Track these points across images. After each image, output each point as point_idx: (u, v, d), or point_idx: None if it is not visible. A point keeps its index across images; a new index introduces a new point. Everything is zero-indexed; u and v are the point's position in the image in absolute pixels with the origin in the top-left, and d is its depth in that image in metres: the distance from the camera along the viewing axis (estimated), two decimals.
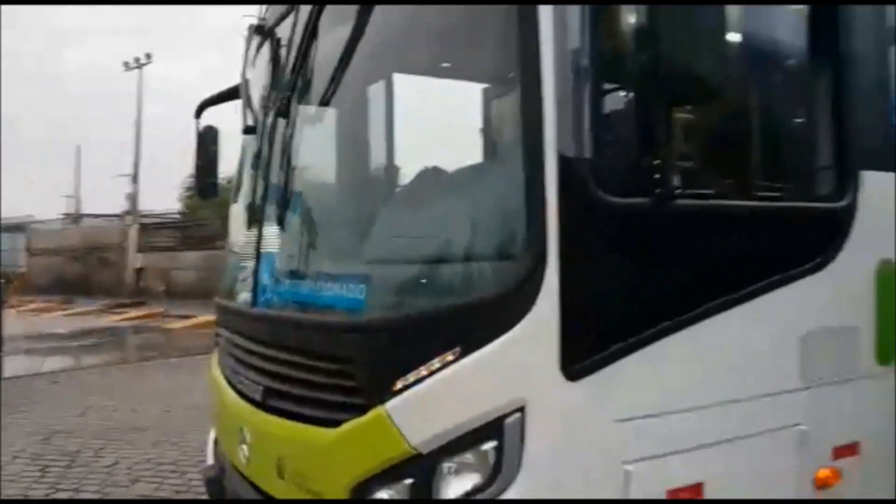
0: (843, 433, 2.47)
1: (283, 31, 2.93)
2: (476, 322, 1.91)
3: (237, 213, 3.48)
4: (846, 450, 2.47)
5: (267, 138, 2.84)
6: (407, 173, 2.75)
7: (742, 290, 2.19)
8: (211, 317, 12.55)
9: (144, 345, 13.74)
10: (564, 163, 1.90)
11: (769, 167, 2.41)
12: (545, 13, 1.91)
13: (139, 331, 16.25)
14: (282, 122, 2.72)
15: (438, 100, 2.83)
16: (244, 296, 2.88)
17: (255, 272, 2.73)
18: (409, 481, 1.97)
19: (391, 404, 1.96)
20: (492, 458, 1.89)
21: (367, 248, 2.36)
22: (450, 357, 1.90)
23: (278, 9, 3.05)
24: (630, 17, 2.02)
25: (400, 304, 2.14)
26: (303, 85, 2.67)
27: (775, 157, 2.45)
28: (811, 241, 2.41)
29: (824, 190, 2.50)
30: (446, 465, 1.93)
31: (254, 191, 2.97)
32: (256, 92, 3.09)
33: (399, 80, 2.95)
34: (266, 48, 3.10)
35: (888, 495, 2.63)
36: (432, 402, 1.93)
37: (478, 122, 2.56)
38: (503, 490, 1.87)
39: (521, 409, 1.87)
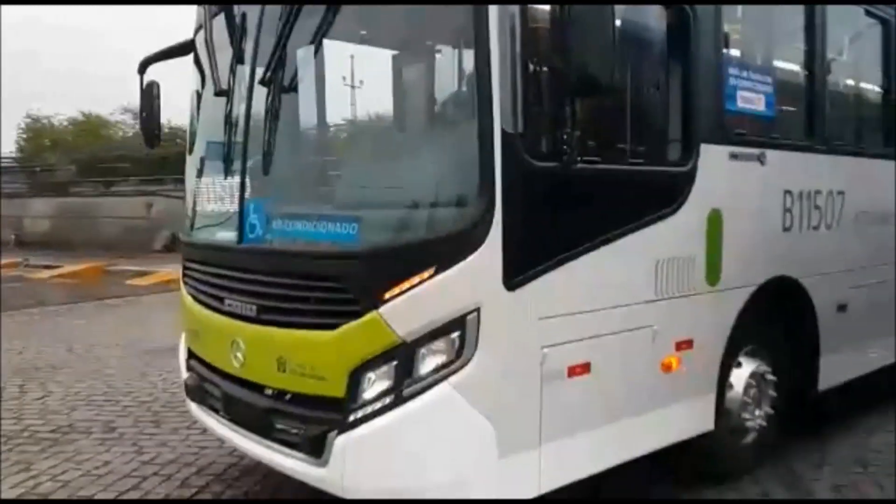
0: (681, 332, 3.50)
1: (246, 10, 3.51)
2: (445, 250, 2.71)
3: (198, 163, 4.03)
4: (684, 343, 3.51)
5: (244, 100, 3.42)
6: (390, 135, 3.45)
7: (620, 229, 3.13)
8: (77, 266, 13.15)
9: (19, 294, 13.35)
10: (505, 137, 2.70)
11: (638, 141, 3.32)
12: (493, 19, 2.67)
13: (10, 282, 15.60)
14: (263, 86, 3.32)
15: (412, 73, 3.51)
16: (226, 235, 3.49)
17: (241, 216, 3.35)
18: (394, 363, 2.77)
19: (383, 309, 2.73)
20: (456, 344, 2.71)
21: (358, 194, 3.09)
22: (426, 275, 2.70)
23: None
24: (544, 25, 2.83)
25: (386, 237, 2.89)
26: (282, 53, 3.27)
27: (642, 134, 3.36)
28: (665, 194, 3.38)
29: (675, 157, 3.47)
30: (423, 350, 2.74)
31: (230, 146, 3.55)
32: (222, 59, 3.62)
33: (378, 53, 3.59)
34: (225, 22, 3.64)
35: (712, 378, 3.71)
36: (414, 306, 2.72)
37: (447, 98, 3.27)
38: (464, 365, 2.70)
39: (477, 311, 2.70)
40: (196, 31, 4.13)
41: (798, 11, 4.29)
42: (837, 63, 4.72)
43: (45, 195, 25.09)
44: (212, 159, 3.82)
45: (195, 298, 3.83)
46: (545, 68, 2.84)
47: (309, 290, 2.99)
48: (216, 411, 3.64)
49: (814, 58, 4.34)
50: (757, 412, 4.09)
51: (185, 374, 3.99)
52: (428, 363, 2.75)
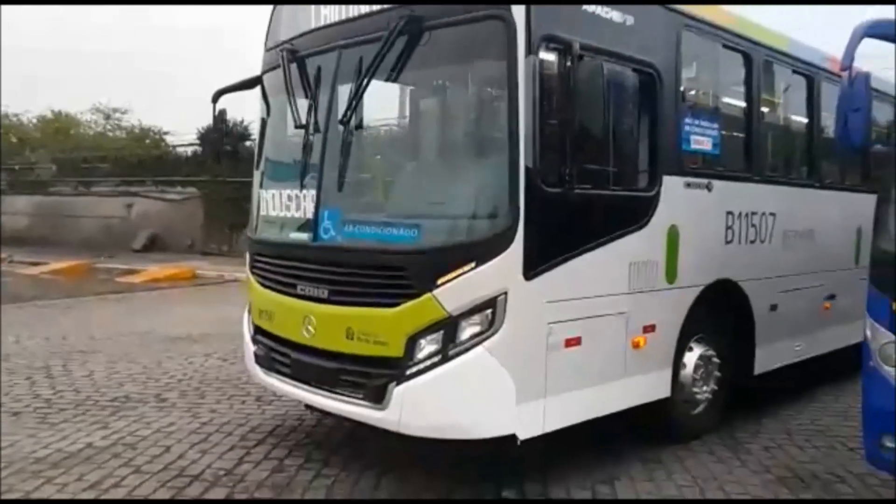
0: (647, 318, 4.57)
1: (321, 60, 4.51)
2: (482, 250, 3.73)
3: (268, 177, 5.01)
4: (649, 327, 4.58)
5: (320, 131, 4.40)
6: (441, 163, 4.44)
7: (604, 237, 4.20)
8: (62, 264, 14.21)
9: (17, 287, 13.93)
10: (527, 170, 3.74)
11: (618, 173, 4.32)
12: (522, 73, 3.69)
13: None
14: (335, 120, 4.31)
15: (459, 113, 4.50)
16: (301, 235, 4.46)
17: (316, 221, 4.32)
18: (442, 331, 3.78)
19: (436, 291, 3.74)
20: (489, 318, 3.73)
21: (416, 207, 4.10)
22: (469, 267, 3.71)
23: (309, 40, 4.60)
24: (553, 86, 3.87)
25: (439, 239, 3.91)
26: (351, 93, 4.24)
27: (621, 167, 4.37)
28: (637, 213, 4.45)
29: (644, 185, 4.55)
30: (464, 322, 3.75)
31: (305, 166, 4.52)
32: (298, 96, 4.59)
33: (449, 93, 4.58)
34: (302, 68, 4.63)
35: (670, 356, 4.79)
36: (459, 290, 3.73)
37: (486, 137, 4.25)
38: (494, 333, 3.72)
39: (505, 294, 3.72)
40: (264, 72, 5.11)
41: (739, 68, 5.44)
42: (769, 111, 5.91)
43: (24, 193, 25.34)
44: (286, 176, 4.79)
45: (264, 285, 4.78)
46: (553, 121, 3.86)
47: (376, 277, 3.99)
48: (284, 374, 4.59)
49: (750, 107, 5.50)
50: (704, 388, 5.17)
51: (251, 348, 4.92)
52: (467, 332, 3.77)
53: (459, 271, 3.73)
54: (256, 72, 5.18)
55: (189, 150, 23.21)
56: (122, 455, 4.66)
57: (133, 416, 5.53)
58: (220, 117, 5.40)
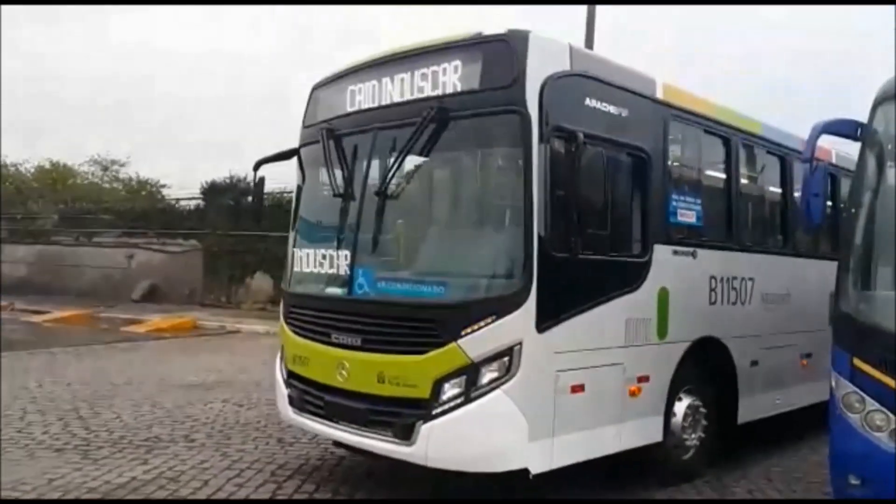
0: (641, 370, 5.16)
1: (358, 139, 5.18)
2: (501, 306, 4.33)
3: (304, 237, 5.63)
4: (643, 378, 5.17)
5: (357, 200, 5.05)
6: (463, 231, 5.04)
7: (604, 297, 4.82)
8: (66, 312, 14.87)
9: (26, 335, 14.32)
10: (539, 238, 4.37)
11: (616, 242, 4.99)
12: (535, 158, 4.36)
13: (7, 324, 16.44)
14: (370, 190, 4.96)
15: (477, 188, 5.15)
16: (335, 290, 5.05)
17: (351, 277, 4.92)
18: (465, 376, 4.35)
19: (461, 341, 4.32)
20: (506, 365, 4.31)
21: (442, 268, 4.71)
22: (489, 320, 4.31)
23: (346, 121, 5.29)
24: (560, 166, 4.53)
25: (463, 296, 4.51)
26: (382, 166, 4.93)
27: (618, 236, 5.02)
28: (632, 276, 5.09)
29: (638, 252, 5.19)
30: (484, 368, 4.33)
31: (341, 229, 5.15)
32: (338, 169, 5.24)
33: (471, 171, 5.22)
34: (338, 143, 5.30)
35: (661, 405, 5.36)
36: (481, 340, 4.31)
37: (503, 209, 4.84)
38: (511, 378, 4.29)
39: (520, 344, 4.31)
40: (302, 145, 5.79)
41: (719, 150, 6.17)
42: (746, 186, 6.62)
43: (25, 242, 25.78)
44: (321, 236, 5.41)
45: (298, 333, 5.35)
46: (561, 197, 4.51)
47: (407, 328, 4.58)
48: (316, 415, 5.11)
49: (729, 184, 6.21)
50: (693, 435, 5.72)
51: (285, 391, 5.45)
52: (487, 376, 4.34)
53: (481, 323, 4.32)
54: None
55: (192, 203, 23.91)
56: (167, 487, 5.13)
57: (167, 454, 5.99)
58: (260, 183, 6.08)
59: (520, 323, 4.33)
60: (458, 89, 4.68)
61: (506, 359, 4.32)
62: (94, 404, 7.83)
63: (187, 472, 5.50)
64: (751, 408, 6.29)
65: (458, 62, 4.71)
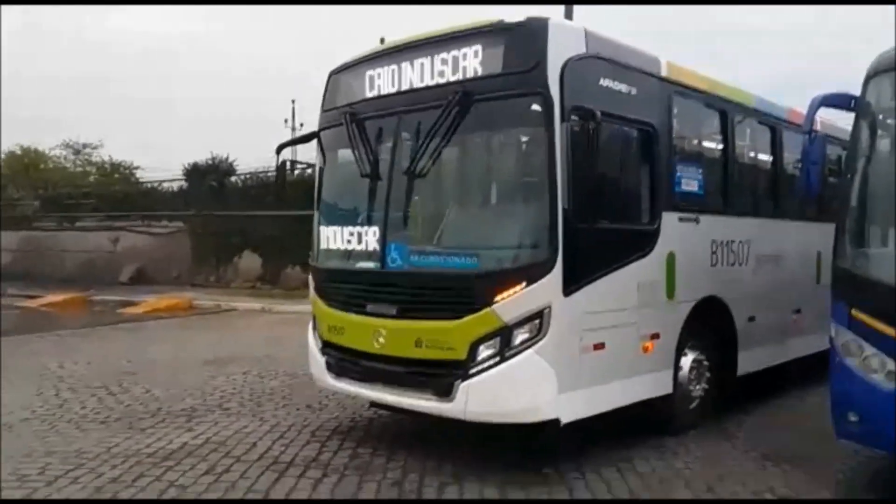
0: (653, 328, 5.61)
1: (383, 122, 5.50)
2: (531, 273, 4.73)
3: (333, 216, 5.97)
4: (655, 335, 5.62)
5: (385, 180, 5.39)
6: (493, 204, 5.42)
7: (620, 262, 5.24)
8: (58, 297, 15.32)
9: (26, 320, 14.47)
10: (564, 210, 4.76)
11: (630, 211, 5.43)
12: (558, 136, 4.73)
13: (5, 310, 16.52)
14: (398, 170, 5.31)
15: (509, 163, 5.51)
16: (368, 264, 5.41)
17: (383, 251, 5.28)
18: (499, 338, 4.76)
19: (495, 306, 4.72)
20: (537, 327, 4.72)
21: (473, 240, 5.09)
22: (520, 287, 4.71)
23: (369, 105, 5.60)
24: (580, 142, 4.90)
25: (496, 265, 4.90)
26: (410, 145, 5.26)
27: (631, 206, 5.46)
28: (644, 242, 5.51)
29: (647, 220, 5.62)
30: (517, 330, 4.74)
31: (371, 206, 5.49)
32: (364, 151, 5.56)
33: (497, 150, 5.58)
34: (359, 129, 5.60)
35: (671, 359, 5.82)
36: (513, 304, 4.71)
37: (530, 184, 5.19)
38: (541, 339, 4.70)
39: (549, 307, 4.72)
40: (322, 129, 6.11)
41: (716, 122, 6.59)
42: (741, 156, 7.07)
43: (7, 228, 25.62)
44: (348, 214, 5.76)
45: (332, 305, 5.71)
46: (581, 171, 4.86)
47: (443, 296, 4.97)
48: (354, 379, 5.50)
49: (726, 154, 6.65)
50: (697, 386, 6.21)
51: (320, 358, 5.82)
52: (520, 338, 4.75)
53: (513, 290, 4.72)
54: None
55: (175, 185, 23.94)
56: (219, 450, 5.49)
57: (207, 422, 6.35)
58: (283, 166, 6.40)
59: (548, 288, 4.73)
60: (480, 73, 5.03)
61: (536, 321, 4.73)
62: (121, 381, 8.13)
63: (232, 436, 5.87)
64: (749, 361, 6.80)
65: (479, 47, 5.04)
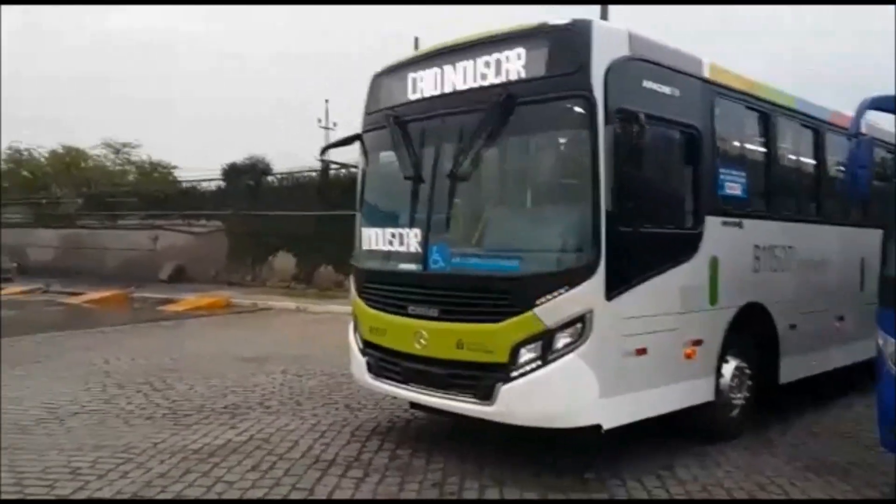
0: (696, 334, 5.56)
1: (426, 124, 5.54)
2: (574, 277, 4.73)
3: (375, 217, 6.02)
4: (697, 341, 5.57)
5: (428, 182, 5.43)
6: (537, 208, 5.43)
7: (663, 266, 5.21)
8: (99, 294, 15.66)
9: (72, 316, 14.83)
10: (607, 214, 4.76)
11: (673, 215, 5.39)
12: (602, 138, 4.72)
13: (49, 305, 16.99)
14: (441, 172, 5.34)
15: (553, 167, 5.46)
16: (410, 266, 5.45)
17: (425, 253, 5.32)
18: (541, 342, 4.76)
19: (537, 310, 4.73)
20: (580, 331, 4.72)
21: (516, 244, 5.11)
22: (563, 290, 4.72)
23: (413, 107, 5.64)
24: (623, 145, 4.88)
25: (539, 269, 4.91)
26: (453, 148, 5.28)
27: (674, 210, 5.43)
28: (687, 247, 5.47)
29: (691, 224, 5.57)
30: (559, 334, 4.74)
31: (413, 208, 5.53)
32: (407, 153, 5.60)
33: (540, 152, 5.56)
34: (403, 131, 5.64)
35: (713, 366, 5.77)
36: (555, 308, 4.72)
37: (574, 187, 5.16)
38: (584, 343, 4.70)
39: (592, 311, 4.72)
40: (365, 131, 6.17)
41: (758, 124, 6.52)
42: (784, 158, 6.98)
43: (51, 226, 26.26)
44: (391, 216, 5.81)
45: (374, 307, 5.76)
46: (625, 174, 4.86)
47: (484, 299, 4.99)
48: (394, 380, 5.55)
49: (769, 156, 6.58)
50: (739, 394, 6.14)
51: (361, 359, 5.89)
52: (562, 341, 4.76)
53: (556, 293, 4.73)
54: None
55: (213, 184, 24.32)
56: (262, 447, 5.59)
57: (250, 419, 6.46)
58: (326, 167, 6.46)
59: (591, 292, 4.73)
60: (524, 76, 5.04)
61: (579, 325, 4.73)
62: (165, 377, 8.31)
63: (275, 434, 5.97)
64: (791, 369, 6.70)
65: (522, 50, 5.05)
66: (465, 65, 5.35)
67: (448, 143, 5.39)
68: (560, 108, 5.00)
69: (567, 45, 4.92)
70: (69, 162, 41.09)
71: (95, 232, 25.29)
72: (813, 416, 6.93)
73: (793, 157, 7.22)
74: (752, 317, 6.17)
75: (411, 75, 5.71)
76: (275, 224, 20.91)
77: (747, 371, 6.22)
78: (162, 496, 4.63)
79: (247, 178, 22.88)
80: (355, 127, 6.32)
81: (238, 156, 23.58)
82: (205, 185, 24.89)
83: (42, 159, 41.73)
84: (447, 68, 5.46)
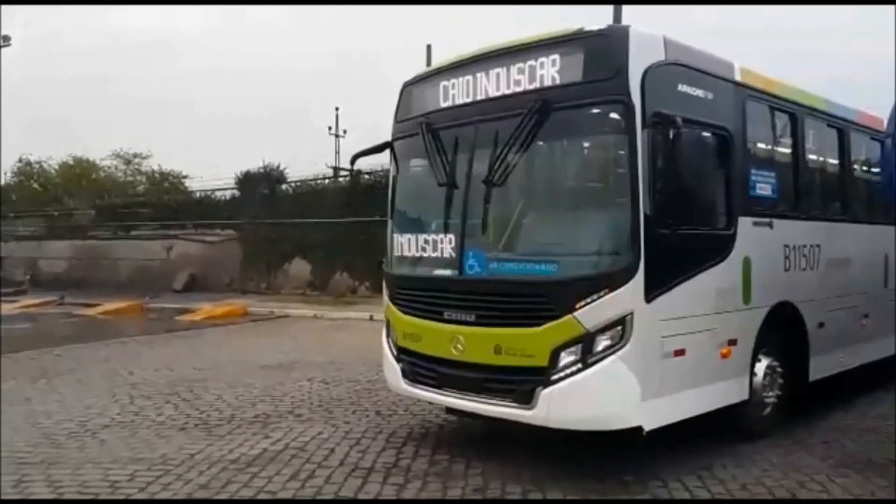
0: (731, 334, 5.57)
1: (459, 131, 5.56)
2: (613, 280, 4.74)
3: (408, 224, 6.05)
4: (732, 341, 5.58)
5: (463, 188, 5.45)
6: (577, 212, 5.41)
7: (700, 267, 5.22)
8: (115, 305, 15.72)
9: (88, 328, 14.89)
10: (646, 217, 4.77)
11: (708, 216, 5.39)
12: (640, 143, 4.74)
13: (64, 317, 17.06)
14: (476, 178, 5.36)
15: (591, 172, 5.50)
16: (446, 272, 5.48)
17: (461, 259, 5.34)
18: (581, 345, 4.77)
19: (577, 313, 4.74)
20: (620, 333, 4.73)
21: (555, 248, 5.12)
22: (603, 293, 4.73)
23: (445, 114, 5.67)
24: (660, 148, 4.89)
25: (578, 272, 4.92)
26: (487, 155, 5.30)
27: (708, 211, 5.42)
28: (721, 247, 5.48)
29: (725, 224, 5.58)
30: (599, 337, 4.75)
31: (448, 215, 5.56)
32: (441, 160, 5.63)
33: (578, 157, 5.62)
34: (435, 138, 5.67)
35: (747, 366, 5.76)
36: (595, 311, 4.73)
37: (613, 191, 5.16)
38: (624, 345, 4.71)
39: (632, 314, 4.73)
40: (395, 139, 6.20)
41: (787, 125, 6.52)
42: (811, 158, 6.99)
43: (63, 238, 26.38)
44: (424, 222, 5.84)
45: (408, 313, 5.78)
46: (662, 177, 4.88)
47: (522, 303, 5.01)
48: (430, 385, 5.57)
49: (797, 156, 6.59)
50: (771, 393, 6.14)
51: (396, 365, 5.91)
52: (602, 344, 4.77)
53: (595, 297, 4.74)
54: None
55: (227, 193, 24.43)
56: (299, 456, 5.60)
57: (283, 428, 6.47)
58: (357, 175, 6.51)
59: (631, 295, 4.74)
60: (559, 82, 5.06)
61: (619, 328, 4.74)
62: (191, 387, 8.33)
63: (310, 442, 5.98)
64: (820, 366, 6.70)
65: (557, 56, 5.08)
66: (499, 71, 5.38)
67: (482, 149, 5.41)
68: (597, 113, 5.03)
69: (604, 51, 4.94)
70: (80, 173, 41.38)
71: (108, 243, 25.40)
72: (839, 414, 6.91)
73: (820, 158, 7.23)
74: (782, 316, 6.17)
75: (443, 83, 5.74)
76: (289, 231, 21.00)
77: (779, 370, 6.22)
78: None
79: (261, 186, 22.98)
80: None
81: (239, 158, 23.77)
82: (219, 194, 25.01)
83: (53, 171, 42.06)
84: (480, 75, 5.48)
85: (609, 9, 14.12)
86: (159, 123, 59.51)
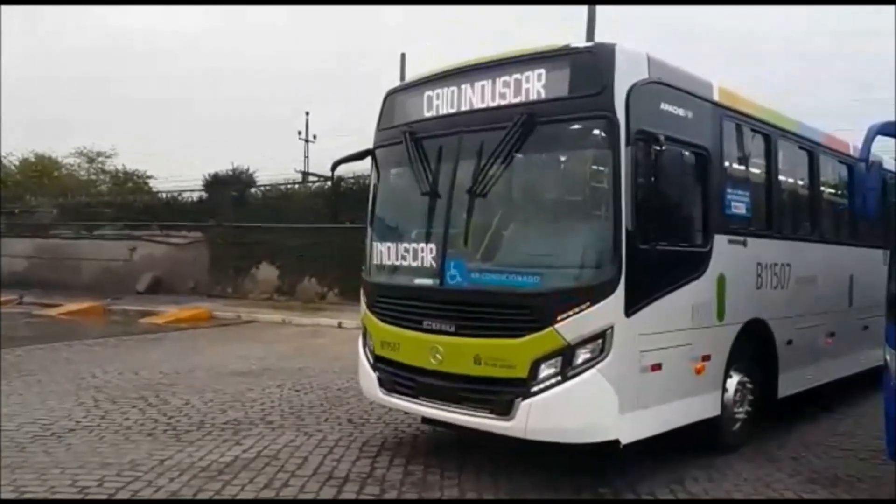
0: (705, 349, 5.65)
1: (443, 141, 5.57)
2: (594, 294, 4.78)
3: (387, 233, 6.04)
4: (706, 357, 5.66)
5: (445, 198, 5.45)
6: (558, 225, 5.41)
7: (677, 283, 5.29)
8: (76, 305, 15.51)
9: (50, 329, 14.53)
10: (627, 232, 4.82)
11: (686, 233, 5.48)
12: (623, 158, 4.80)
13: (23, 317, 16.62)
14: (459, 189, 5.37)
15: (573, 184, 5.42)
16: (426, 281, 5.46)
17: (442, 269, 5.34)
18: (561, 357, 4.80)
19: (557, 325, 4.77)
20: (600, 347, 4.77)
21: (537, 260, 5.14)
22: (584, 307, 4.76)
23: (428, 124, 5.68)
24: (643, 165, 4.95)
25: (559, 285, 4.95)
26: (470, 165, 5.33)
27: (686, 229, 5.52)
28: (698, 264, 5.56)
29: (701, 242, 5.67)
30: (579, 350, 4.78)
31: (430, 224, 5.55)
32: (423, 169, 5.63)
33: (561, 171, 5.57)
34: (420, 146, 5.68)
35: (720, 381, 5.85)
36: (576, 324, 4.76)
37: (595, 206, 5.17)
38: (604, 359, 4.75)
39: (612, 328, 4.77)
40: (377, 147, 6.19)
41: (761, 146, 6.67)
42: (783, 179, 7.14)
43: (24, 236, 25.72)
44: (404, 231, 5.83)
45: (386, 321, 5.75)
46: (643, 193, 4.94)
47: (504, 314, 5.01)
48: (406, 395, 5.54)
49: (770, 176, 6.73)
50: (741, 408, 6.24)
51: (372, 374, 5.87)
52: (582, 357, 4.79)
53: (577, 310, 4.77)
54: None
55: (194, 195, 24.09)
56: (272, 464, 5.52)
57: (254, 435, 6.38)
58: (338, 182, 6.47)
59: (612, 308, 4.79)
60: (545, 96, 5.11)
61: (599, 341, 4.78)
62: (158, 392, 8.18)
63: (283, 450, 5.91)
64: (789, 383, 6.83)
65: (543, 71, 5.12)
66: (484, 84, 5.41)
67: (466, 160, 5.43)
68: (582, 129, 5.08)
69: (590, 67, 5.00)
70: (40, 170, 40.44)
71: (71, 242, 24.85)
72: (805, 428, 7.05)
73: (791, 177, 7.38)
74: (754, 332, 6.28)
75: (427, 93, 5.75)
76: (258, 236, 20.79)
77: (748, 385, 6.32)
78: None
79: (231, 189, 22.72)
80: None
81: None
82: (186, 195, 24.64)
83: (13, 167, 41.05)
84: (465, 87, 5.51)
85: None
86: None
